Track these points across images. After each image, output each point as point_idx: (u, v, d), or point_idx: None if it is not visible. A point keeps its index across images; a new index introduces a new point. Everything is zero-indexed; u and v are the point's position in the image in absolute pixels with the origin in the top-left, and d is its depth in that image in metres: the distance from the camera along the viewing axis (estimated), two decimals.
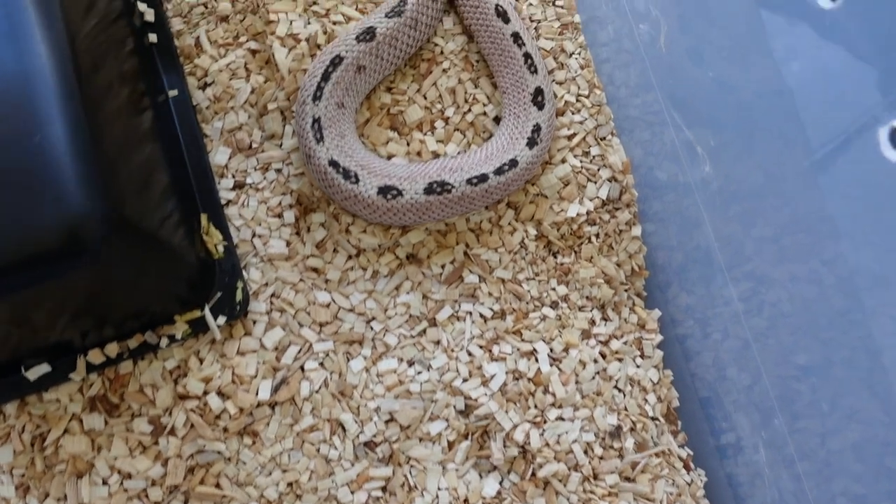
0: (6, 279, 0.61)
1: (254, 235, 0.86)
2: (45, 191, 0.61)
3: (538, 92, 0.86)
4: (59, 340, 0.77)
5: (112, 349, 0.79)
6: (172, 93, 0.88)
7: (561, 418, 0.85)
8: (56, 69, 0.68)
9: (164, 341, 0.80)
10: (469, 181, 0.82)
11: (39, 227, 0.62)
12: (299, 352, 0.84)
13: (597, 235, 0.91)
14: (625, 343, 0.92)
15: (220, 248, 0.83)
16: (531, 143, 0.85)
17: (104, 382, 0.80)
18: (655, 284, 0.97)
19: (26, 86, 0.66)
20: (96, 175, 0.64)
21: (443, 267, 0.89)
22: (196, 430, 0.78)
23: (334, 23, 0.89)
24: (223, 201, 0.86)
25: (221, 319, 0.81)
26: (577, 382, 0.87)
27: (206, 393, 0.80)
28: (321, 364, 0.84)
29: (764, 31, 0.78)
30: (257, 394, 0.80)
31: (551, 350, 0.88)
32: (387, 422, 0.81)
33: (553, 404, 0.85)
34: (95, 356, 0.78)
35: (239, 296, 0.82)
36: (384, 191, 0.81)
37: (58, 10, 0.75)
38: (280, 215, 0.87)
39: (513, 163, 0.84)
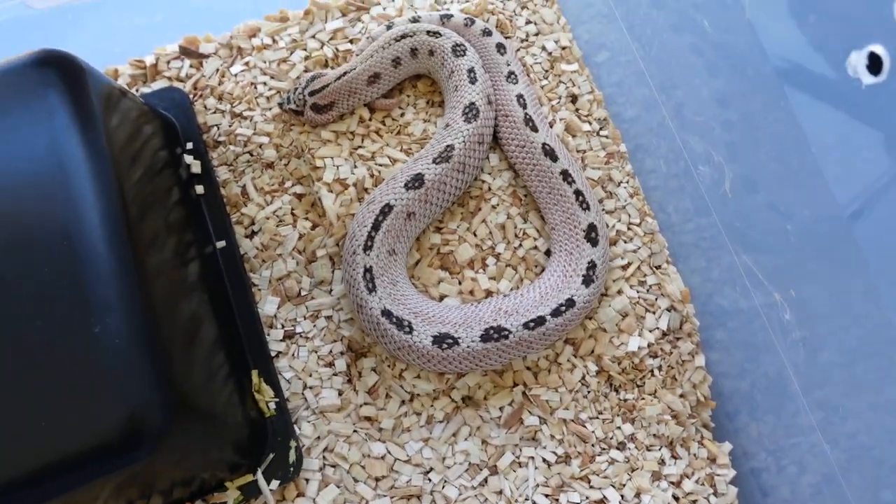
0: (59, 479, 0.58)
1: (305, 387, 0.83)
2: (101, 383, 0.59)
3: (591, 228, 0.84)
4: None
5: None
6: (220, 243, 0.87)
7: None
8: (110, 241, 0.67)
9: None
10: (526, 325, 0.79)
11: (97, 422, 0.59)
12: None
13: (659, 368, 0.87)
14: (697, 482, 0.86)
15: (272, 406, 0.80)
16: (587, 280, 0.82)
17: None
18: (723, 414, 0.92)
19: (80, 263, 0.65)
20: (155, 362, 0.62)
21: (501, 409, 0.84)
22: None
23: (380, 165, 0.89)
24: (273, 353, 0.84)
25: (275, 483, 0.77)
26: None
27: None
28: None
29: (814, 157, 0.77)
30: None
31: (622, 497, 0.82)
32: None
33: None
34: None
35: (292, 456, 0.78)
36: (439, 340, 0.78)
37: (108, 162, 0.74)
38: (331, 364, 0.84)
39: (570, 303, 0.81)
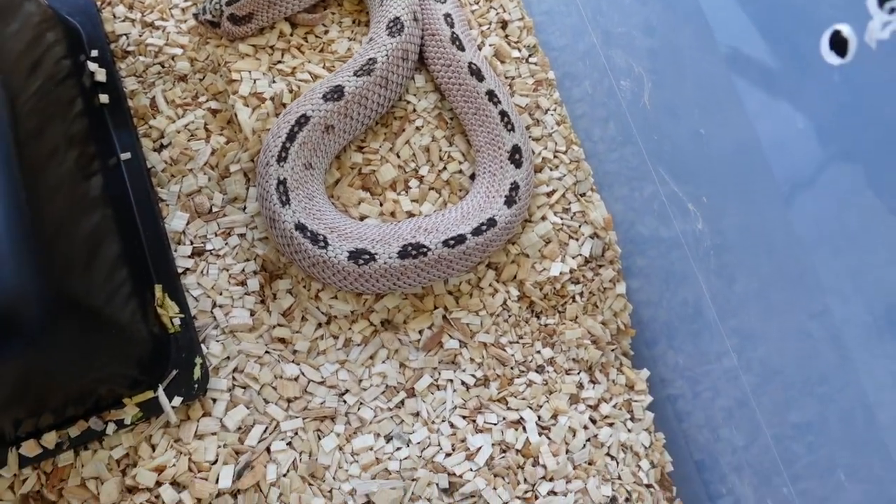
0: None
1: (214, 306, 0.79)
2: None
3: (515, 150, 0.83)
4: None
5: (50, 439, 0.71)
6: (125, 155, 0.82)
7: (553, 492, 0.79)
8: None
9: (111, 427, 0.72)
10: (446, 243, 0.77)
11: None
12: (265, 431, 0.76)
13: (581, 294, 0.87)
14: (614, 406, 0.87)
15: (176, 322, 0.76)
16: (509, 201, 0.81)
17: (40, 477, 0.71)
18: (642, 342, 0.93)
19: None
20: (33, 250, 0.57)
21: (420, 333, 0.83)
22: None
23: (300, 81, 0.85)
24: (180, 270, 0.80)
25: (177, 400, 0.73)
26: (567, 452, 0.81)
27: (158, 484, 0.71)
28: (289, 444, 0.76)
29: (735, 89, 0.78)
30: (217, 482, 0.72)
31: (539, 418, 0.82)
32: None
33: (544, 477, 0.79)
34: (30, 448, 0.70)
35: (197, 373, 0.75)
36: (355, 255, 0.76)
37: None
38: (243, 283, 0.81)
39: (491, 222, 0.80)
